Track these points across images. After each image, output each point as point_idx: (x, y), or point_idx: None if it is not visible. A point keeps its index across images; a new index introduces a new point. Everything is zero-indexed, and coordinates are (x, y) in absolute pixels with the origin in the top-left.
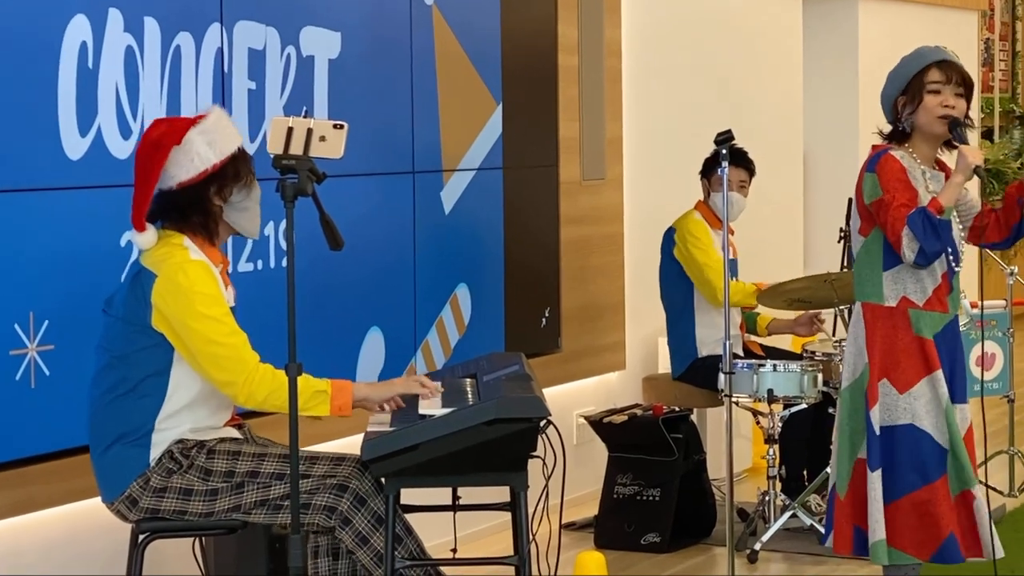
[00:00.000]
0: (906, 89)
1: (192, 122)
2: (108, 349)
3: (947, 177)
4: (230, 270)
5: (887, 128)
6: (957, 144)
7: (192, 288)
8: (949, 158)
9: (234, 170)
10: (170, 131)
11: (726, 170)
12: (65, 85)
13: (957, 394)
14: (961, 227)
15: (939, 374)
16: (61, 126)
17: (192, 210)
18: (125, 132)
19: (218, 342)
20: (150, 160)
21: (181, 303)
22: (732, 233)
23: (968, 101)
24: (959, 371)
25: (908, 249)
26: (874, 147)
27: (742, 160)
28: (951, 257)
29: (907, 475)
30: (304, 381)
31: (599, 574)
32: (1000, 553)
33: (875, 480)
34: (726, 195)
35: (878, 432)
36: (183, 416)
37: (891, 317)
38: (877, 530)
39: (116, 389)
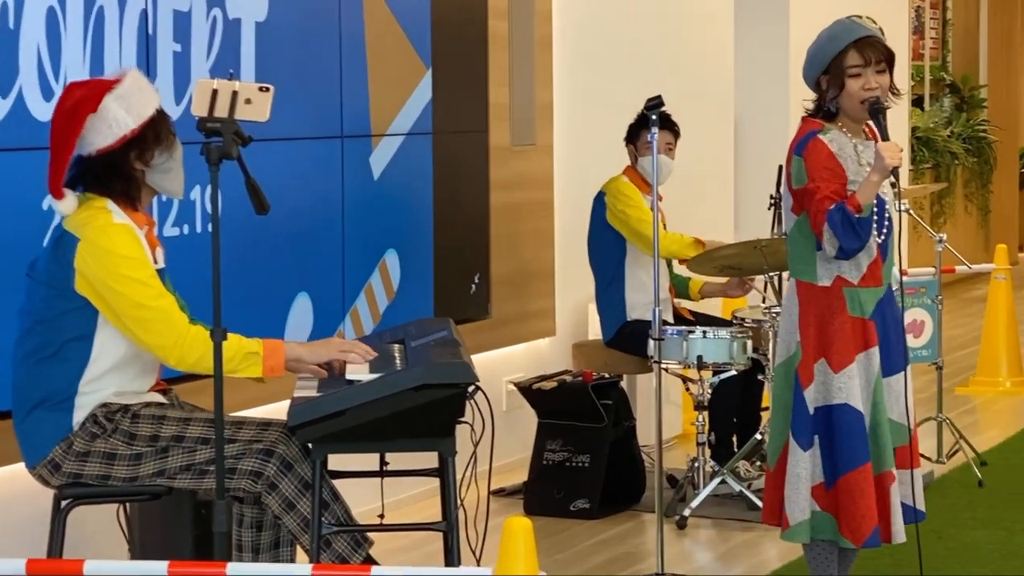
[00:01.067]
0: (827, 70)
1: (108, 87)
2: (31, 313)
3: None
4: (156, 232)
5: (811, 99)
6: (876, 133)
7: (115, 251)
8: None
9: (154, 133)
10: (86, 98)
11: (656, 136)
12: None
13: (898, 363)
14: (895, 187)
15: (874, 350)
16: None
17: (113, 176)
18: (47, 94)
19: (145, 305)
20: (67, 128)
21: (105, 267)
22: (661, 199)
23: (891, 72)
24: (896, 340)
25: (829, 245)
26: (804, 121)
27: (667, 123)
28: (884, 229)
29: (844, 455)
30: (236, 342)
31: (527, 539)
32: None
33: (804, 460)
34: (655, 159)
35: (811, 412)
36: (107, 380)
37: (826, 297)
38: (803, 509)
39: (39, 353)
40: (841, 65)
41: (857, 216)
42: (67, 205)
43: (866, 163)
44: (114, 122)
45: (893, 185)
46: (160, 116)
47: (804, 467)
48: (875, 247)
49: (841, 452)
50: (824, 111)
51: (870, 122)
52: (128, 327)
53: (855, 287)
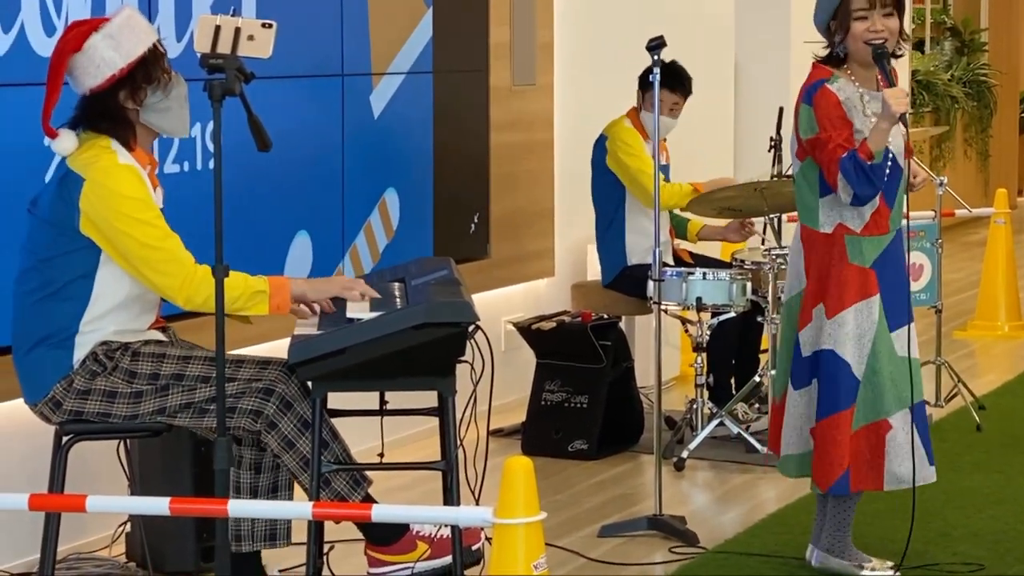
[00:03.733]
0: (835, 15)
1: (96, 25)
2: (33, 251)
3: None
4: (158, 171)
5: (812, 40)
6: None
7: (121, 192)
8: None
9: (144, 72)
10: (73, 37)
11: (657, 76)
12: None
13: (904, 315)
14: (905, 130)
15: (874, 300)
16: None
17: (102, 116)
18: (49, 29)
19: (152, 246)
20: (53, 69)
21: (111, 208)
22: (664, 140)
23: (900, 17)
24: (902, 293)
25: (843, 193)
26: (814, 67)
27: (678, 84)
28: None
29: (823, 401)
30: (242, 280)
31: (528, 479)
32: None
33: (794, 398)
34: (657, 94)
35: (806, 354)
36: (107, 319)
37: (826, 244)
38: (784, 444)
39: (41, 291)
40: (847, 8)
41: (869, 163)
42: (64, 144)
43: (871, 114)
44: (101, 62)
45: (905, 136)
46: (152, 55)
47: (795, 405)
48: (878, 196)
49: (821, 398)
50: (834, 58)
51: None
52: (135, 268)
53: (857, 235)
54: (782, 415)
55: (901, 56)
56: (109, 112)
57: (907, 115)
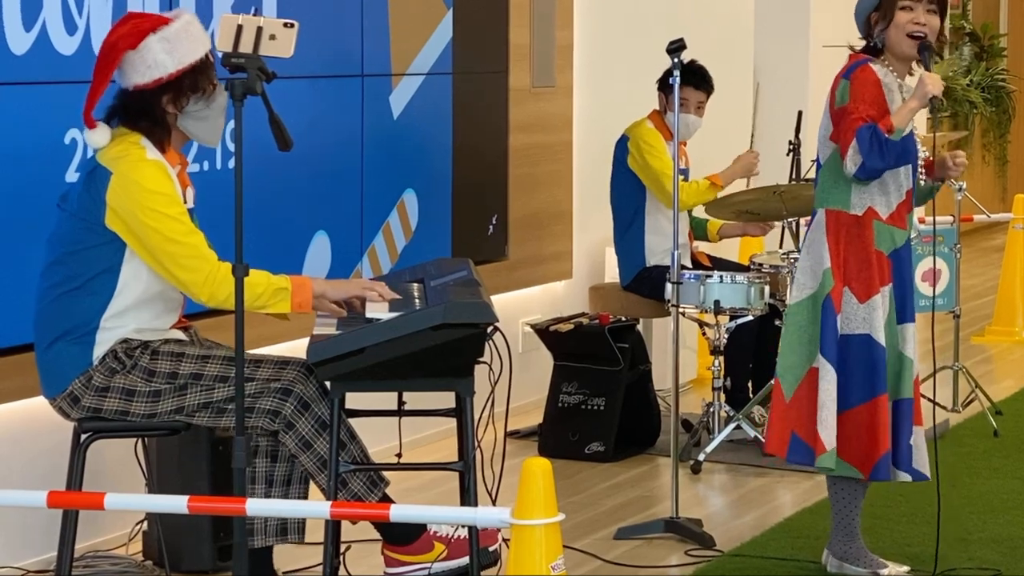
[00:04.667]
0: (879, 6)
1: (155, 25)
2: (60, 244)
3: None
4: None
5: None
6: (922, 68)
7: (148, 187)
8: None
9: (191, 81)
10: (130, 33)
11: (677, 79)
12: None
13: (908, 313)
14: (926, 151)
15: (888, 289)
16: (5, 20)
17: (141, 115)
18: (71, 28)
19: (177, 241)
20: (105, 60)
21: (136, 202)
22: (684, 144)
23: (942, 17)
24: (909, 290)
25: (851, 161)
26: (852, 56)
27: (701, 81)
28: (917, 172)
29: (858, 386)
30: (265, 278)
31: (547, 480)
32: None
33: (829, 387)
34: (677, 96)
35: (837, 338)
36: (129, 316)
37: (856, 225)
38: (827, 435)
39: (64, 285)
40: None
41: (887, 137)
42: (98, 137)
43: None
44: (153, 63)
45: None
46: (203, 64)
47: (830, 392)
48: (905, 189)
49: (856, 383)
50: (871, 49)
51: (911, 73)
52: (160, 262)
53: (883, 222)
54: (789, 417)
55: (941, 57)
56: (149, 112)
57: (937, 99)
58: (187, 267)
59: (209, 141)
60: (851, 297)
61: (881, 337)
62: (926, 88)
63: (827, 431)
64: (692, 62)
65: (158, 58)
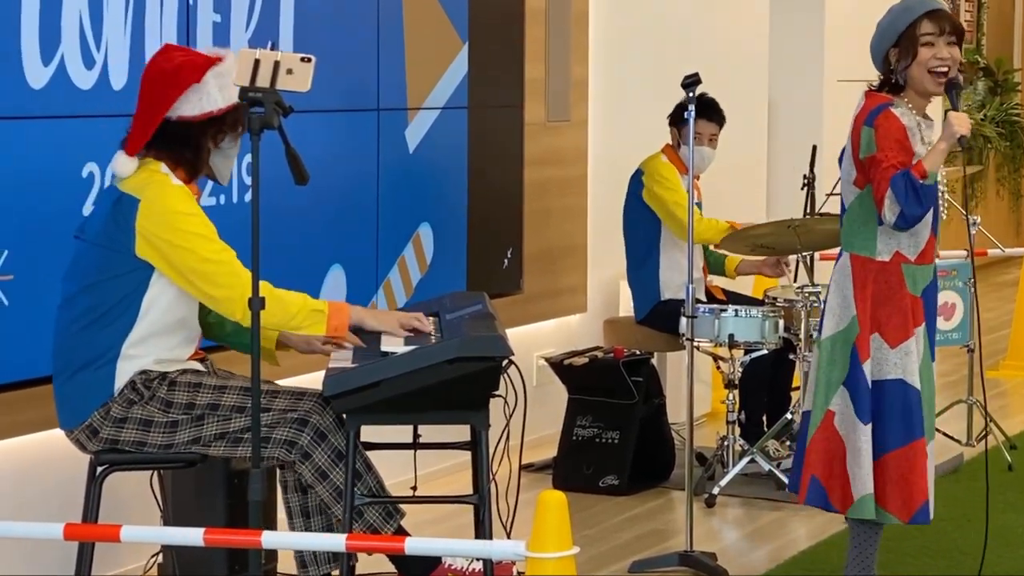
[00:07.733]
0: (898, 42)
1: (212, 62)
2: (79, 277)
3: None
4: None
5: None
6: (949, 108)
7: (177, 209)
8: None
9: (233, 119)
10: (191, 66)
11: (692, 113)
12: (28, 13)
13: (933, 347)
14: (944, 185)
15: (922, 329)
16: (24, 54)
17: (185, 146)
18: (88, 62)
19: (212, 259)
20: (165, 90)
21: (168, 225)
22: (697, 178)
23: (960, 48)
24: (933, 326)
25: (889, 212)
26: (868, 95)
27: (714, 113)
28: (940, 208)
29: (894, 431)
30: (301, 299)
31: (561, 513)
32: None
33: (866, 434)
34: (692, 130)
35: (869, 386)
36: (150, 343)
37: (884, 272)
38: (865, 483)
39: (86, 316)
40: (914, 34)
41: (921, 182)
42: (126, 166)
43: (928, 142)
44: (206, 96)
45: (967, 156)
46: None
47: (866, 441)
48: (931, 226)
49: (894, 427)
50: (892, 85)
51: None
52: (192, 283)
53: (912, 264)
54: (809, 463)
55: (965, 89)
56: (192, 143)
57: (966, 139)
58: (223, 284)
59: (225, 178)
60: (882, 343)
61: (916, 380)
62: (953, 128)
63: (857, 482)
64: (703, 94)
65: (211, 92)
